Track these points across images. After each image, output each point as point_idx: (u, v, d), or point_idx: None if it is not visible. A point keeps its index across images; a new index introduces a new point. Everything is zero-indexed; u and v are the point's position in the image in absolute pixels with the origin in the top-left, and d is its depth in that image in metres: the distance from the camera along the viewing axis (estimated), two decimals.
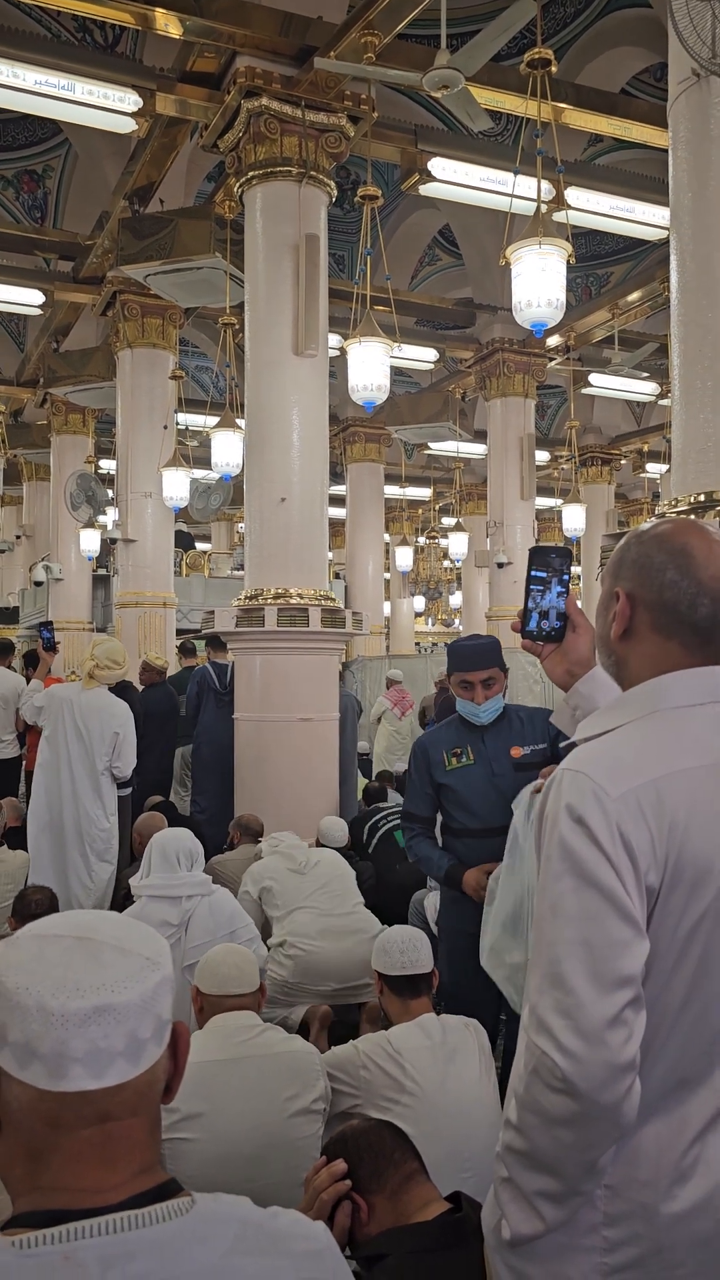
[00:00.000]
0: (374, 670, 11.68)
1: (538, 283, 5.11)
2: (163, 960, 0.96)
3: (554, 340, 11.29)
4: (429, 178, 7.53)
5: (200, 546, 22.11)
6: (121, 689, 5.76)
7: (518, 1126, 1.24)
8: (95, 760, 5.14)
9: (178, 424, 10.19)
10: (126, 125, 6.88)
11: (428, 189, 7.73)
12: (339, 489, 14.44)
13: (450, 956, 3.42)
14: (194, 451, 10.71)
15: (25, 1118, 0.90)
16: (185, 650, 8.80)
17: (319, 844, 5.36)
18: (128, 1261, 0.86)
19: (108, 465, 13.75)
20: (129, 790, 5.67)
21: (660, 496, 16.83)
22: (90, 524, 11.92)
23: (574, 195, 7.81)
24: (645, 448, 16.19)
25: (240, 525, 18.53)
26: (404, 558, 18.15)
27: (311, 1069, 2.51)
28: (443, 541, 17.93)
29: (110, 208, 8.80)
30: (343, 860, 4.80)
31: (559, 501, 14.78)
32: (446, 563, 20.14)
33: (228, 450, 8.78)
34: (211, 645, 7.51)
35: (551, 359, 11.76)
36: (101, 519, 11.95)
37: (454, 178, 7.60)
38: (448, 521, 20.29)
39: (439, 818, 3.54)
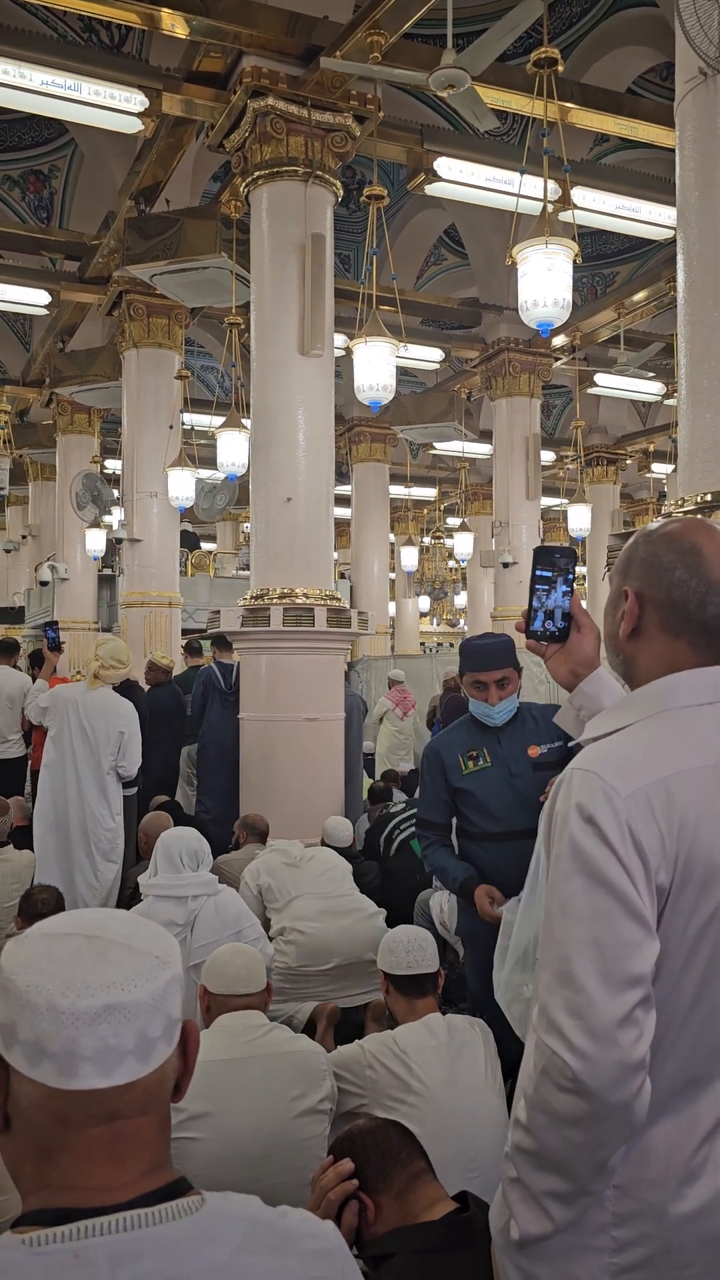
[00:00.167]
0: (379, 670, 11.68)
1: (544, 282, 5.11)
2: (172, 959, 0.96)
3: (559, 340, 11.28)
4: (435, 177, 7.53)
5: (206, 546, 22.16)
6: (127, 688, 5.77)
7: (527, 1126, 1.24)
8: (101, 760, 5.15)
9: (183, 424, 10.20)
10: (132, 125, 6.88)
11: (434, 189, 7.73)
12: (344, 489, 14.45)
13: (476, 965, 3.34)
14: (199, 451, 10.74)
15: (35, 1116, 0.90)
16: (191, 650, 8.80)
17: (324, 844, 5.36)
18: (137, 1260, 0.86)
19: (113, 465, 13.80)
20: (135, 790, 5.68)
21: (666, 496, 16.83)
22: (96, 524, 11.94)
23: (580, 195, 7.81)
24: (651, 447, 16.17)
25: (245, 525, 18.57)
26: (409, 557, 18.15)
27: (318, 1069, 2.51)
28: (448, 541, 17.94)
29: (116, 208, 8.81)
30: (338, 856, 4.82)
31: (564, 501, 14.79)
32: (451, 563, 20.14)
33: (233, 450, 8.78)
34: (217, 645, 7.51)
35: (557, 359, 11.75)
36: (107, 519, 11.98)
37: (460, 177, 7.59)
38: (453, 521, 20.25)
39: (454, 823, 3.45)
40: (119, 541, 10.31)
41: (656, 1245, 1.25)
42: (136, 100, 6.65)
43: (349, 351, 6.55)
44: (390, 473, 15.38)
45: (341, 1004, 4.09)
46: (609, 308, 10.78)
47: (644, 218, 8.27)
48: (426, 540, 19.76)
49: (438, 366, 12.48)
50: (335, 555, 7.28)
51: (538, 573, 1.59)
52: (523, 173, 5.68)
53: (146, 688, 7.49)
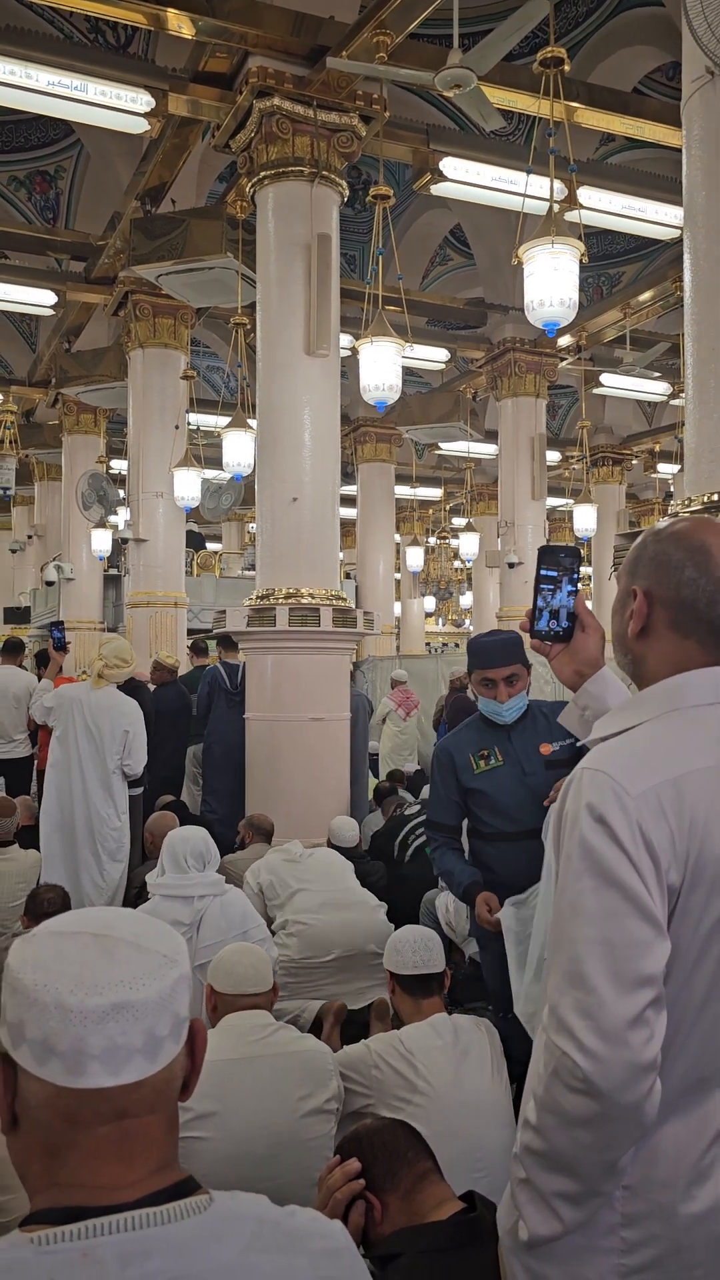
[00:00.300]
0: (384, 670, 11.69)
1: (550, 282, 5.10)
2: (180, 957, 0.96)
3: (565, 340, 11.27)
4: (441, 177, 7.53)
5: (211, 546, 22.14)
6: (134, 688, 5.78)
7: (536, 1127, 1.23)
8: (106, 759, 5.16)
9: (189, 424, 10.21)
10: (139, 126, 6.89)
11: (440, 189, 7.73)
12: (350, 489, 14.45)
13: (492, 964, 3.32)
14: (205, 451, 10.73)
15: (43, 1114, 0.90)
16: (196, 650, 8.81)
17: (330, 843, 5.36)
18: (145, 1259, 0.86)
19: (119, 465, 13.78)
20: (141, 789, 5.68)
21: (673, 496, 16.80)
22: (102, 524, 11.95)
23: (586, 195, 7.80)
24: (657, 447, 16.15)
25: (251, 525, 18.57)
26: (415, 558, 18.14)
27: (324, 1069, 2.51)
28: (453, 541, 17.91)
29: (122, 208, 8.82)
30: (338, 855, 4.83)
31: (570, 502, 14.76)
32: (457, 563, 20.12)
33: (239, 450, 8.79)
34: (223, 645, 7.52)
35: (563, 359, 11.74)
36: (113, 519, 11.97)
37: (466, 177, 7.59)
38: (458, 522, 20.25)
39: (465, 824, 3.41)
40: (124, 541, 10.31)
41: (665, 1246, 1.24)
42: (142, 100, 6.65)
43: (354, 352, 6.55)
44: (396, 473, 15.37)
45: (345, 1001, 4.09)
46: (615, 308, 10.77)
47: (650, 217, 8.26)
48: (432, 540, 19.76)
49: (443, 367, 12.48)
50: (341, 555, 7.27)
51: (542, 572, 1.59)
52: (529, 172, 5.66)
53: (152, 688, 7.50)
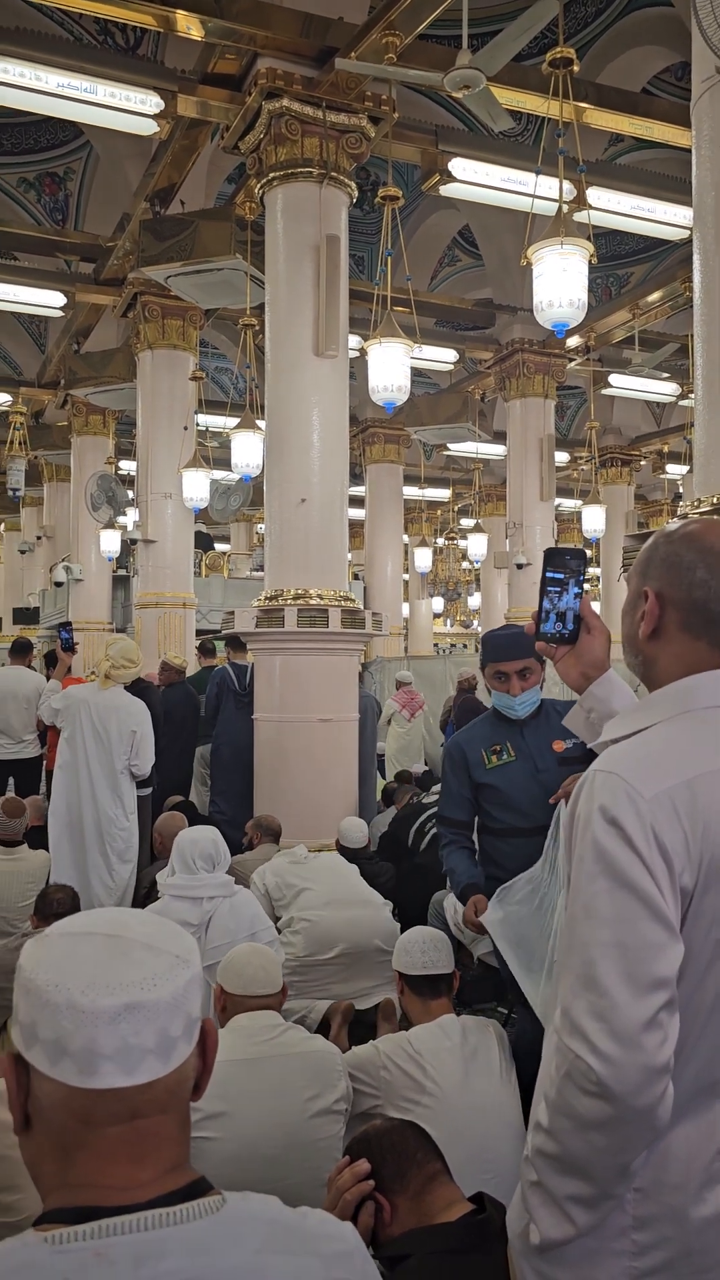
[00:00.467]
0: (392, 671, 11.67)
1: (559, 283, 5.10)
2: (193, 958, 0.96)
3: (574, 341, 11.26)
4: (449, 178, 7.53)
5: (220, 547, 22.18)
6: (142, 689, 5.78)
7: (549, 1130, 1.23)
8: (114, 760, 5.16)
9: (198, 425, 10.22)
10: (148, 127, 6.90)
11: (448, 189, 7.73)
12: (358, 490, 14.44)
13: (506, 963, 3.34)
14: (214, 452, 10.76)
15: (56, 1115, 0.90)
16: (204, 650, 8.82)
17: (339, 844, 5.36)
18: (159, 1259, 0.86)
19: (128, 466, 13.83)
20: (149, 790, 5.68)
21: (682, 497, 16.77)
22: (110, 525, 11.98)
23: (595, 195, 7.80)
24: (665, 448, 16.13)
25: (260, 526, 18.60)
26: (423, 559, 18.15)
27: (333, 1070, 2.51)
28: (462, 542, 17.93)
29: (131, 209, 8.84)
30: (343, 859, 4.83)
31: (579, 503, 14.76)
32: (465, 564, 20.13)
33: (248, 451, 8.80)
34: (231, 646, 7.52)
35: (571, 359, 11.73)
36: (121, 520, 12.01)
37: (475, 178, 7.59)
38: (467, 522, 20.26)
39: (476, 820, 3.40)
40: (133, 542, 10.34)
41: (677, 1249, 1.24)
42: (152, 102, 6.67)
43: (363, 353, 6.55)
44: (404, 474, 15.38)
45: (352, 1001, 4.09)
46: (624, 308, 10.75)
47: (659, 218, 8.25)
48: (440, 541, 19.75)
49: (452, 367, 12.48)
50: (349, 556, 7.27)
51: (548, 575, 1.59)
52: (538, 173, 5.66)
53: (160, 688, 7.50)
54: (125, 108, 6.70)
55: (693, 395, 4.39)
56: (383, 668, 11.99)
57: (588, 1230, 1.24)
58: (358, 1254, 1.00)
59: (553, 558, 1.59)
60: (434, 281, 13.05)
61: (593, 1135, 1.19)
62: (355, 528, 14.89)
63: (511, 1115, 2.57)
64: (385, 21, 5.63)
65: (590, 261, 5.18)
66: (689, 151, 4.36)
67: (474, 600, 23.40)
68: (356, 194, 6.57)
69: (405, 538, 17.14)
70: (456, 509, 20.58)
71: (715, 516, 3.87)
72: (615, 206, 8.07)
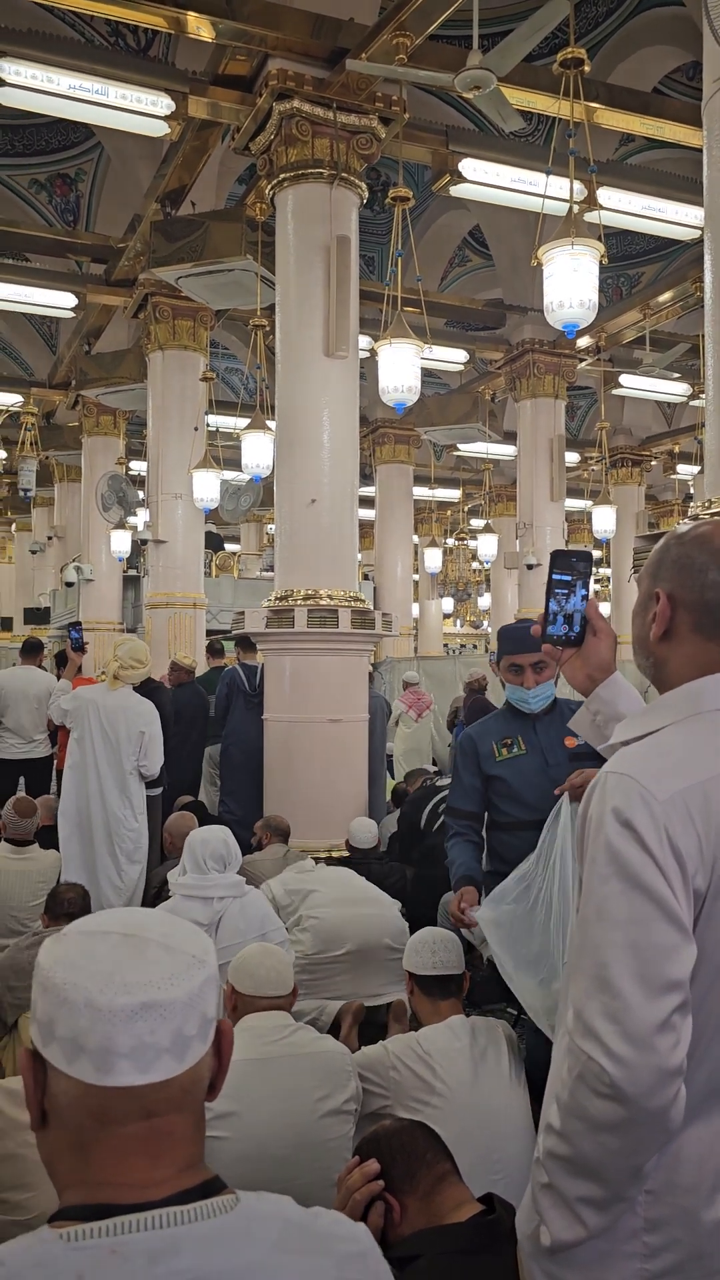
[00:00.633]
0: (402, 671, 11.68)
1: (570, 283, 5.09)
2: (209, 958, 0.97)
3: (584, 341, 11.25)
4: (460, 179, 7.52)
5: (230, 548, 22.18)
6: (151, 689, 5.79)
7: (561, 1132, 1.23)
8: (123, 760, 5.17)
9: (208, 425, 10.24)
10: (159, 128, 6.92)
11: (459, 190, 7.73)
12: (368, 490, 14.45)
13: None
14: (224, 453, 10.76)
15: (72, 1112, 0.91)
16: (214, 651, 8.83)
17: (348, 844, 5.36)
18: (173, 1256, 0.87)
19: (138, 467, 13.83)
20: (160, 790, 5.69)
21: (693, 498, 16.72)
22: (121, 525, 11.99)
23: (606, 195, 7.78)
24: (676, 449, 16.09)
25: (270, 526, 18.60)
26: (433, 559, 18.13)
27: (343, 1070, 2.52)
28: (472, 543, 17.88)
29: (142, 210, 8.86)
30: (351, 871, 4.82)
31: (589, 503, 14.71)
32: (475, 564, 20.10)
33: (258, 451, 8.81)
34: (241, 646, 7.53)
35: (582, 360, 11.71)
36: (132, 520, 12.02)
37: (485, 179, 7.59)
38: (477, 523, 20.23)
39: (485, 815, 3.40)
40: (144, 543, 10.35)
41: (688, 1251, 1.24)
42: (163, 103, 6.68)
43: (373, 353, 6.55)
44: (414, 474, 15.37)
45: (362, 1001, 4.09)
46: (634, 308, 10.74)
47: (670, 218, 8.23)
48: (450, 542, 19.73)
49: (462, 368, 12.47)
50: (359, 557, 7.28)
51: (555, 576, 1.59)
52: (548, 173, 5.65)
53: (170, 689, 7.52)
54: (136, 109, 6.72)
55: (704, 395, 4.39)
56: (392, 668, 11.99)
57: (599, 1232, 1.23)
58: (371, 1255, 1.01)
59: (560, 560, 1.60)
60: (444, 282, 13.04)
61: (605, 1137, 1.19)
62: (365, 528, 14.94)
63: (520, 1116, 2.56)
64: (396, 22, 5.63)
65: (601, 262, 5.17)
66: (700, 151, 4.35)
67: (484, 601, 23.37)
68: (367, 194, 6.57)
69: (415, 538, 17.12)
70: (467, 509, 20.56)
71: None
72: (626, 206, 8.06)
